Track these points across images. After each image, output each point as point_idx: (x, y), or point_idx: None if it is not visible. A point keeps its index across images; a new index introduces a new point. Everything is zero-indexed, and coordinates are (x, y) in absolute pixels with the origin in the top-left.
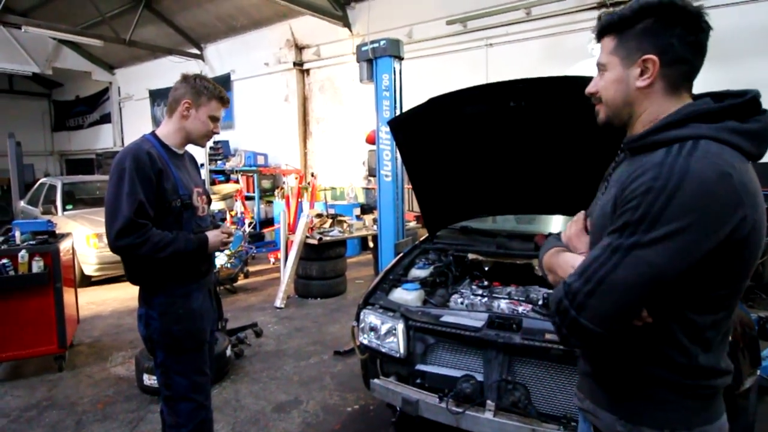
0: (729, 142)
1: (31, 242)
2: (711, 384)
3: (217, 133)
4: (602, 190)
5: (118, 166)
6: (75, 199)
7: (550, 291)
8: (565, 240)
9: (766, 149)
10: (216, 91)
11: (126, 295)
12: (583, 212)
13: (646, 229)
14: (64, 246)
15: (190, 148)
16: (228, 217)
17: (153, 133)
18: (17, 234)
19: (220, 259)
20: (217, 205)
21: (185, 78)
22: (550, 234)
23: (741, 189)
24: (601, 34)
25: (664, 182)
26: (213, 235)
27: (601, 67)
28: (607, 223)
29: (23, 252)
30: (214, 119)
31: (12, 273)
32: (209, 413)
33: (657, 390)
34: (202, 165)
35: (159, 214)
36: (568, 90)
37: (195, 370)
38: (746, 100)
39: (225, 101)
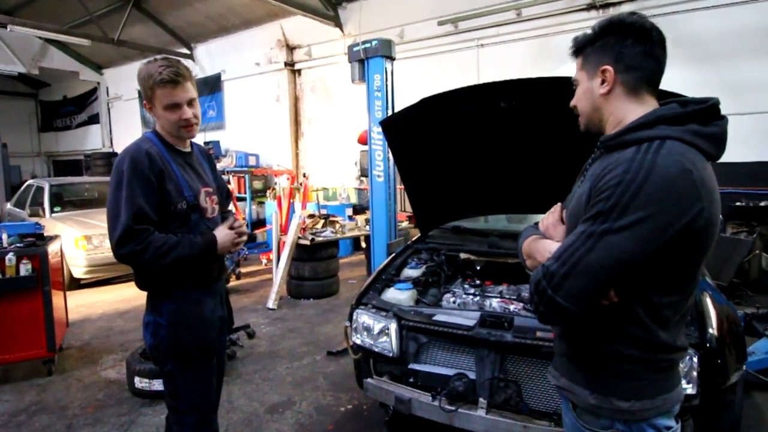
0: (691, 143)
1: (18, 245)
2: (669, 358)
3: (188, 117)
4: (578, 184)
5: (116, 169)
6: (63, 200)
7: None
8: (543, 229)
9: (723, 151)
10: (159, 77)
11: (115, 297)
12: (559, 204)
13: (616, 217)
14: (52, 249)
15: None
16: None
17: (155, 131)
18: (4, 236)
19: None
20: None
21: None
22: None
23: (699, 184)
24: (574, 55)
25: (633, 176)
26: (222, 235)
27: (575, 82)
28: (581, 212)
29: (11, 255)
30: (174, 106)
31: None
32: (215, 425)
33: (624, 364)
34: None
35: (163, 218)
36: (558, 90)
37: (203, 381)
38: (708, 106)
39: (169, 81)
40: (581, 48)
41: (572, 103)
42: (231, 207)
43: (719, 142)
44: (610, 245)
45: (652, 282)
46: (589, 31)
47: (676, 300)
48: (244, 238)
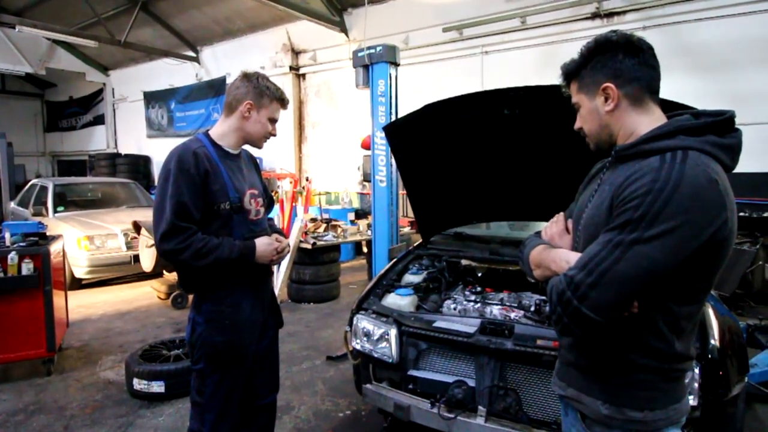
0: (711, 154)
1: (21, 244)
2: (681, 367)
3: (275, 135)
4: (591, 192)
5: (164, 167)
6: (66, 200)
7: (543, 297)
8: (548, 238)
9: (737, 162)
10: (278, 93)
11: (116, 298)
12: (562, 213)
13: (646, 227)
14: (54, 248)
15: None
16: None
17: (206, 133)
18: (7, 235)
19: None
20: None
21: (247, 77)
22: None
23: (725, 194)
24: (566, 81)
25: (662, 185)
26: (262, 244)
27: (576, 106)
28: (602, 220)
29: (13, 254)
30: (273, 121)
31: (1, 275)
32: (236, 421)
33: (638, 374)
34: None
35: (206, 216)
36: (562, 99)
37: (230, 383)
38: (725, 118)
39: (285, 103)
40: (573, 73)
41: (577, 125)
42: (276, 212)
43: (735, 153)
44: (639, 255)
45: (674, 292)
46: (575, 57)
47: (693, 310)
48: (285, 253)
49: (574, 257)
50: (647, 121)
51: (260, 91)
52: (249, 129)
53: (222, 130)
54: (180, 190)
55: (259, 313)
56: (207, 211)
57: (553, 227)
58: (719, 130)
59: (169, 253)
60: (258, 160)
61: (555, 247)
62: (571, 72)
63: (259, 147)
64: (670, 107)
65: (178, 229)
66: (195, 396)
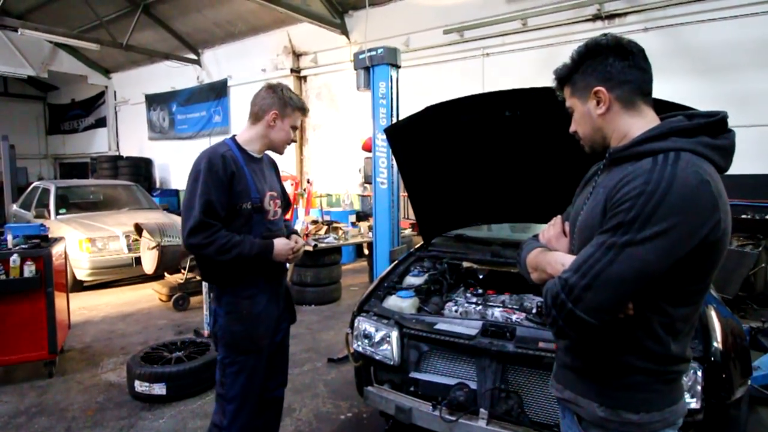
0: (703, 155)
1: (23, 246)
2: (678, 369)
3: (295, 141)
4: (586, 195)
5: (195, 167)
6: (68, 203)
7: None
8: (545, 241)
9: (731, 163)
10: (300, 103)
11: (118, 300)
12: (559, 216)
13: (638, 228)
14: (56, 250)
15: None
16: None
17: (233, 138)
18: (9, 237)
19: None
20: None
21: (272, 88)
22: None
23: (717, 195)
24: (559, 85)
25: (654, 187)
26: (280, 243)
27: (570, 110)
28: (596, 223)
29: (15, 256)
30: (294, 128)
31: (3, 277)
32: (253, 414)
33: (634, 377)
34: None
35: (229, 215)
36: (563, 100)
37: (249, 372)
38: (717, 119)
39: (306, 112)
40: (565, 78)
41: (572, 129)
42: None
43: (728, 154)
44: (632, 257)
45: (668, 294)
46: (567, 62)
47: (689, 311)
48: (300, 253)
49: (569, 260)
50: (640, 123)
51: (284, 102)
52: (274, 136)
53: (249, 136)
54: (208, 189)
55: (274, 307)
56: (230, 210)
57: (551, 230)
58: (712, 132)
59: (195, 247)
60: None
61: (552, 250)
62: (563, 77)
63: (281, 153)
64: (665, 107)
65: (205, 225)
66: (218, 388)
